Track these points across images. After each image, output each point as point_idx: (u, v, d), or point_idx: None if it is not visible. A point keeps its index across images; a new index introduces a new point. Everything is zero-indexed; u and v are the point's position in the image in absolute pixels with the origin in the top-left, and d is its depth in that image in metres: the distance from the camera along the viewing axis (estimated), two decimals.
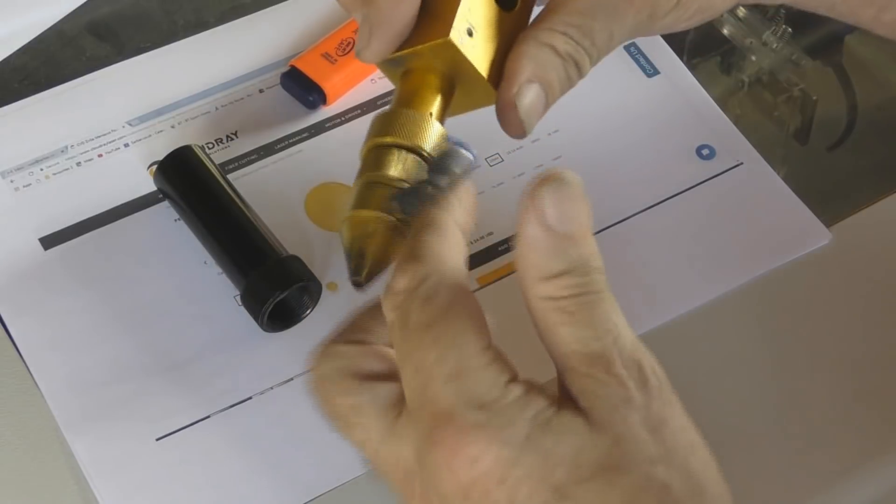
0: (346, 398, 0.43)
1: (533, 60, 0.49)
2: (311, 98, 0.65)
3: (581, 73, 0.51)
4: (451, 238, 0.43)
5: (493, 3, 0.50)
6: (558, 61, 0.50)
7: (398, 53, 0.48)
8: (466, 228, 0.43)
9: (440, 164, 0.45)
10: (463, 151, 0.44)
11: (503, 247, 0.61)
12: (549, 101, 0.50)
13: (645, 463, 0.39)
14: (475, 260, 0.60)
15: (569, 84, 0.50)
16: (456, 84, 0.49)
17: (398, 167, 0.45)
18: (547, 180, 0.40)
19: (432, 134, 0.46)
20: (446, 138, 0.47)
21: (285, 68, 0.66)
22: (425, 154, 0.46)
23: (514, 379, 0.41)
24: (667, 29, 0.53)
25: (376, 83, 0.67)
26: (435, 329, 0.40)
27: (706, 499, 0.39)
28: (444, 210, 0.43)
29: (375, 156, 0.46)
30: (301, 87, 0.65)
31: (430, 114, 0.47)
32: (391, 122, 0.46)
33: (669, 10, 0.51)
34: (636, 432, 0.39)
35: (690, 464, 0.40)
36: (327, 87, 0.65)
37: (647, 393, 0.40)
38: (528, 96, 0.49)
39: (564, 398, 0.40)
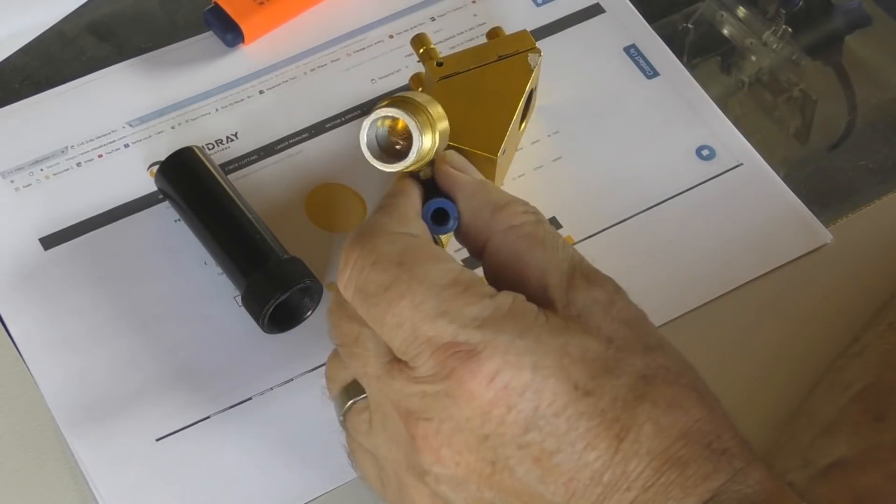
0: (351, 325, 0.44)
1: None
2: (227, 36, 0.66)
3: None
4: (395, 210, 0.44)
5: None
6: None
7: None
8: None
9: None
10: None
11: None
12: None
13: (640, 353, 0.42)
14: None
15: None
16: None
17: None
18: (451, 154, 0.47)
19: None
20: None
21: (210, 5, 0.67)
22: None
23: (496, 293, 0.42)
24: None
25: (376, 83, 0.67)
26: (396, 284, 0.41)
27: (693, 372, 0.43)
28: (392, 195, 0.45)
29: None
30: (221, 24, 0.67)
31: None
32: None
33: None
34: (622, 331, 0.42)
35: (670, 346, 0.44)
36: (246, 26, 0.66)
37: (619, 295, 0.44)
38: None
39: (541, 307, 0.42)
